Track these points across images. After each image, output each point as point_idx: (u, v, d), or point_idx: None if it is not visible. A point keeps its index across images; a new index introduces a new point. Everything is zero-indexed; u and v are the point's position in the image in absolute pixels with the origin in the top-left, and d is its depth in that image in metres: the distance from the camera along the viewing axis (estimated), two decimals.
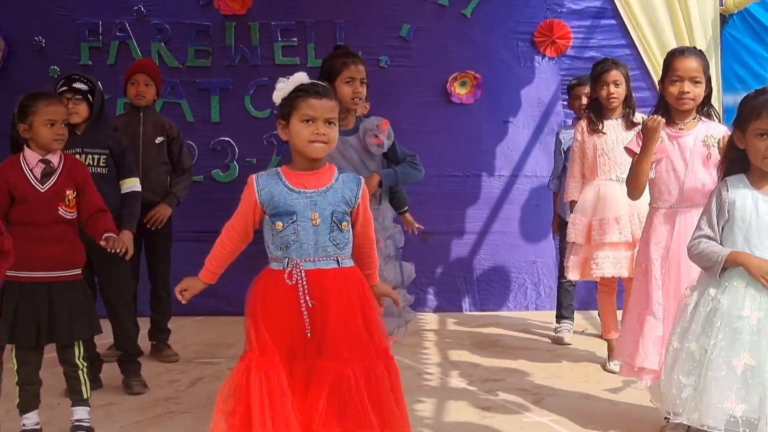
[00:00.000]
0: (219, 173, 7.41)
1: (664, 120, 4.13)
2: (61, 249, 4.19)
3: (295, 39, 7.39)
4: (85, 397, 4.31)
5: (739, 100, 3.40)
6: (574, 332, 6.47)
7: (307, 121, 3.30)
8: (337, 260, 3.34)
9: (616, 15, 7.43)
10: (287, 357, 3.27)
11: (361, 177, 3.46)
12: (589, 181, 5.51)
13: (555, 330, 6.42)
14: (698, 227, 3.33)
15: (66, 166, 4.29)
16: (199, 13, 7.36)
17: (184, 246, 6.55)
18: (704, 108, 4.24)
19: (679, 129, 4.18)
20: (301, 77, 3.40)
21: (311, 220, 3.29)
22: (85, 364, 4.32)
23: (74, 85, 5.01)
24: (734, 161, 3.33)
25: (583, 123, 5.55)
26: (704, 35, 7.34)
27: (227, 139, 7.42)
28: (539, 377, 5.37)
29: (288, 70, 7.25)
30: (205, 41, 7.37)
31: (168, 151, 5.84)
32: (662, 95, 4.25)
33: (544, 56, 7.51)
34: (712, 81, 7.26)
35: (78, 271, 4.29)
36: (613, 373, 5.41)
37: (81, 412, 4.28)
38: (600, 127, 5.44)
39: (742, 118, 3.30)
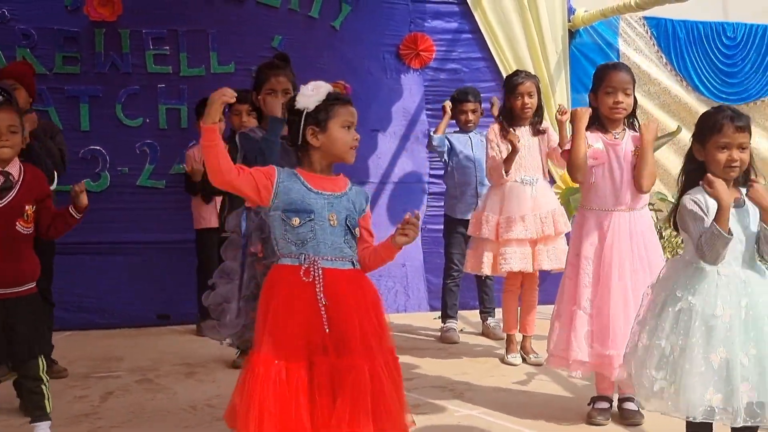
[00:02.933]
0: (89, 183, 7.16)
1: (591, 110, 4.53)
2: (16, 266, 4.07)
3: (167, 48, 7.32)
4: (48, 411, 4.19)
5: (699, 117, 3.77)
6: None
7: (348, 127, 3.44)
8: (352, 262, 3.46)
9: (476, 30, 7.85)
10: (306, 353, 3.33)
11: (368, 194, 3.60)
12: (496, 183, 5.86)
13: (441, 329, 6.70)
14: (692, 237, 3.56)
15: (26, 179, 4.14)
16: (67, 19, 7.14)
17: (57, 259, 6.37)
18: (630, 119, 4.64)
19: (615, 138, 4.57)
20: (326, 85, 3.50)
21: (329, 220, 3.38)
22: (48, 378, 4.20)
23: None
24: (693, 173, 3.69)
25: (497, 127, 5.88)
26: (555, 49, 7.90)
27: (98, 147, 7.23)
28: (447, 374, 5.64)
29: (160, 79, 7.36)
30: (74, 48, 7.16)
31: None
32: (593, 106, 4.62)
33: (409, 68, 7.81)
34: (561, 88, 7.88)
35: (33, 285, 4.17)
36: (513, 365, 5.78)
37: (44, 428, 4.17)
38: None
39: (702, 132, 3.67)
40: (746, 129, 3.59)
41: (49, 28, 7.11)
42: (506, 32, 7.84)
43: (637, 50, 8.14)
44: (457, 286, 6.74)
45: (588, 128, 4.61)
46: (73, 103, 7.19)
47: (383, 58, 7.78)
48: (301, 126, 3.46)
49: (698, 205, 3.53)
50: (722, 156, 3.55)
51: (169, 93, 7.36)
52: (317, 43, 7.59)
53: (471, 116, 6.62)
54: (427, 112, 7.82)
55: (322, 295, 3.34)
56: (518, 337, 6.01)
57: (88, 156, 7.23)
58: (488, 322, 6.81)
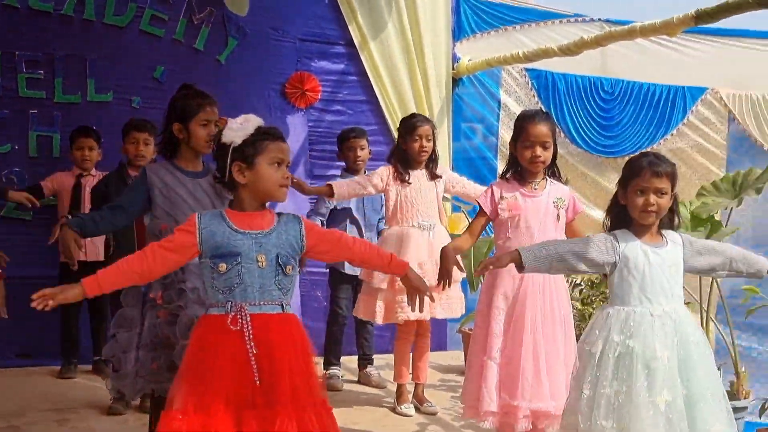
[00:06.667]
0: None
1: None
2: None
3: (42, 72, 6.92)
4: None
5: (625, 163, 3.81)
6: None
7: (278, 164, 3.27)
8: (282, 305, 3.29)
9: (362, 72, 7.77)
10: (234, 406, 3.13)
11: (299, 215, 3.42)
12: (391, 227, 5.69)
13: (324, 376, 6.45)
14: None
15: None
16: None
17: None
18: (550, 169, 4.60)
19: (534, 188, 4.52)
20: (256, 119, 3.35)
21: (257, 262, 3.22)
22: None
23: None
24: (616, 216, 3.74)
25: (391, 168, 5.73)
26: (439, 95, 7.92)
27: None
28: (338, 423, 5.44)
29: (33, 104, 6.93)
30: None
31: None
32: (514, 156, 4.57)
33: (294, 107, 7.65)
34: (443, 134, 7.86)
35: None
36: (407, 416, 5.63)
37: None
38: (407, 178, 5.66)
39: (624, 177, 3.70)
40: (665, 175, 3.63)
41: None
42: (392, 76, 7.79)
43: (517, 101, 8.24)
44: (342, 333, 6.56)
45: (505, 177, 4.58)
46: None
47: (268, 96, 7.58)
48: (228, 161, 3.31)
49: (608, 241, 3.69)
50: (640, 200, 3.60)
51: (42, 119, 6.95)
52: (201, 76, 7.26)
53: (360, 153, 6.44)
54: (311, 152, 7.68)
55: (252, 344, 3.16)
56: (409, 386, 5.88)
57: None
58: (368, 369, 6.65)
